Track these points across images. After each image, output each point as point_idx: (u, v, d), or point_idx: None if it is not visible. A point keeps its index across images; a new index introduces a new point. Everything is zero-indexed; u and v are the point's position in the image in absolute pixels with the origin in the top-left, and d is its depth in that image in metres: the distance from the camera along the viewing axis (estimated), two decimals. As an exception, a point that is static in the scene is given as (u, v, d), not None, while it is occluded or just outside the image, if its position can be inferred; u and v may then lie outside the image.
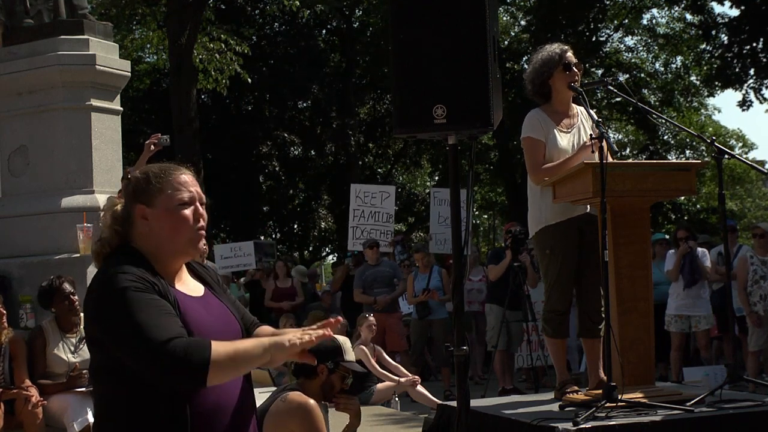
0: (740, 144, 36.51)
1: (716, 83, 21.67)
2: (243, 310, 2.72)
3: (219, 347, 2.27)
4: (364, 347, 8.27)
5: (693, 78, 27.07)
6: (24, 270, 6.95)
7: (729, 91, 20.98)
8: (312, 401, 4.24)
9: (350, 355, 4.60)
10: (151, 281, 2.38)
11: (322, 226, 29.02)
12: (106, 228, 2.55)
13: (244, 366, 2.36)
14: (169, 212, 2.49)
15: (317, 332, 2.36)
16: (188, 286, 2.57)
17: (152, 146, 6.26)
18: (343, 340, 4.70)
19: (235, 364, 2.31)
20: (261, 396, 4.65)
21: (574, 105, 5.02)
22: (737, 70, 19.99)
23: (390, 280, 10.67)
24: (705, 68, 24.11)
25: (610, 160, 4.43)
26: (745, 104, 20.63)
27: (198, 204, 2.53)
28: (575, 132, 4.91)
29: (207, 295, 2.59)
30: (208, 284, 2.64)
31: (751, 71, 20.12)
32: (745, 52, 19.49)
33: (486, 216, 35.53)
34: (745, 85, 20.41)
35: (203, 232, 2.55)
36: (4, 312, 6.01)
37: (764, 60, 19.35)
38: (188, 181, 2.54)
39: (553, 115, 4.91)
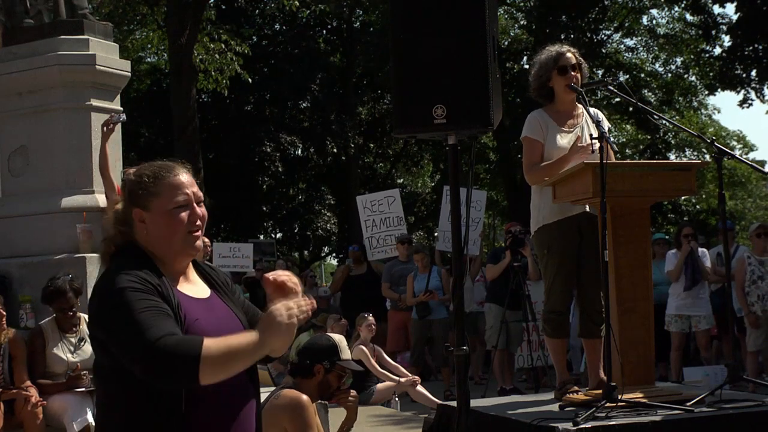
0: (741, 145, 36.49)
1: (717, 84, 21.67)
2: (253, 312, 2.66)
3: (210, 343, 2.21)
4: (363, 347, 8.27)
5: (692, 78, 27.05)
6: (24, 270, 6.95)
7: (729, 92, 20.97)
8: (305, 397, 4.22)
9: (346, 353, 4.58)
10: (155, 283, 2.37)
11: (327, 227, 28.95)
12: (110, 227, 2.54)
13: (239, 361, 2.27)
14: (165, 216, 2.46)
15: (307, 302, 2.30)
16: (194, 287, 2.55)
17: (105, 128, 6.62)
18: (339, 339, 4.67)
19: (228, 359, 2.24)
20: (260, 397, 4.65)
21: (578, 104, 5.02)
22: (738, 71, 19.98)
23: None
24: (706, 69, 24.08)
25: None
26: (745, 103, 20.68)
27: (194, 205, 2.50)
28: (577, 131, 4.91)
29: (212, 297, 2.56)
30: (216, 286, 2.61)
31: (753, 72, 20.11)
32: (746, 53, 19.48)
33: (486, 216, 35.51)
34: (747, 86, 20.43)
35: (198, 233, 2.50)
36: (4, 313, 6.00)
37: (765, 62, 19.33)
38: (184, 182, 2.50)
39: (556, 115, 4.91)
